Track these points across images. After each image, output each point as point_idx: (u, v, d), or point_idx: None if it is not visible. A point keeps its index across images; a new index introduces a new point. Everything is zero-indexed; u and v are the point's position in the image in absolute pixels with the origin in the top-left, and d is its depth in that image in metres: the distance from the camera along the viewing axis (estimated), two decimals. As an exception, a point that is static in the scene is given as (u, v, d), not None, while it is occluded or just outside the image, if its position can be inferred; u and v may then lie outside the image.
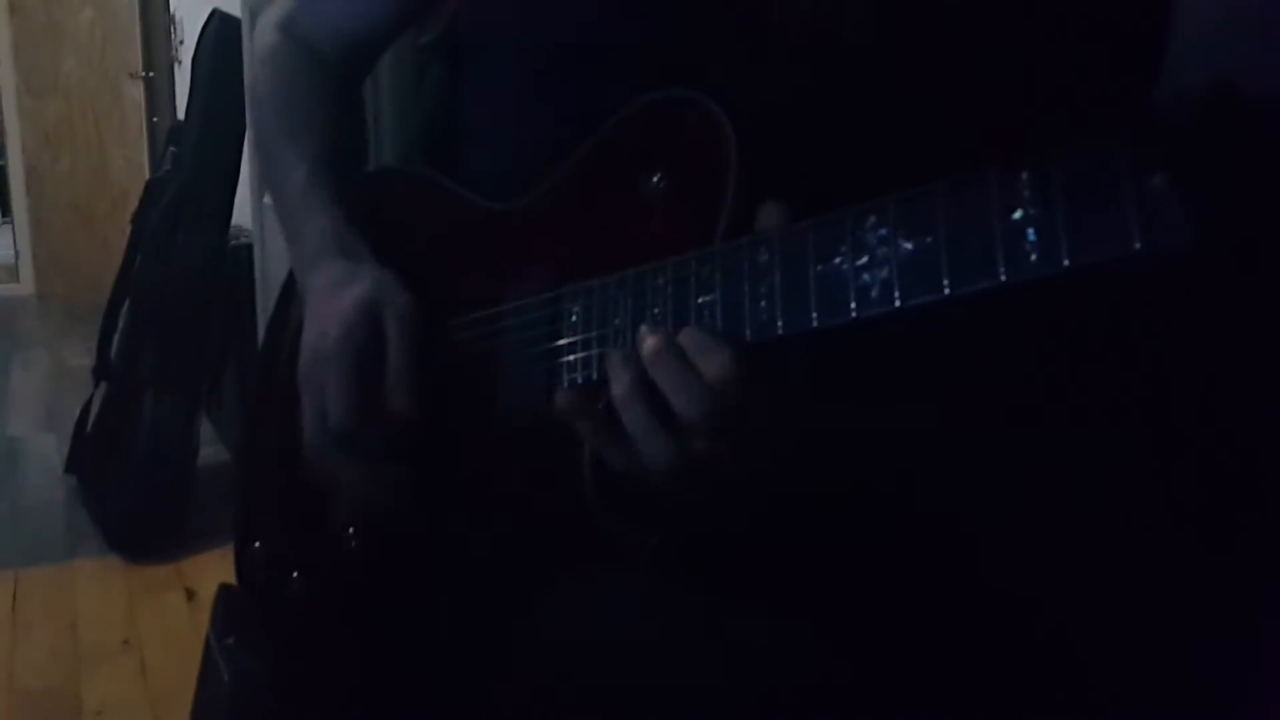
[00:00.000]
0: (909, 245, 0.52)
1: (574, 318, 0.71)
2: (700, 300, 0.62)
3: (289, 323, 0.91)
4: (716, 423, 0.60)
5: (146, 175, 5.17)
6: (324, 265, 0.87)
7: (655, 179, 0.69)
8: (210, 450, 2.78)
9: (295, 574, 0.95)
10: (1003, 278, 0.48)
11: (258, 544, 1.01)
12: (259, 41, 1.03)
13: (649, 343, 0.61)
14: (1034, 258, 0.47)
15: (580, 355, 0.70)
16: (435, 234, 0.90)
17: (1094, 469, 0.70)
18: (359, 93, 1.06)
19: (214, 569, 2.46)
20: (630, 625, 0.71)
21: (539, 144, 0.78)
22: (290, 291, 0.96)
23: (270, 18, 1.03)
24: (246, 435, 1.10)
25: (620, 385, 0.63)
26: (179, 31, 5.12)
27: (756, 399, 0.60)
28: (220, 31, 2.81)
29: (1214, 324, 0.63)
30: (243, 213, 2.81)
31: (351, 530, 0.89)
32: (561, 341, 0.71)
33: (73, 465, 3.05)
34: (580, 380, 0.69)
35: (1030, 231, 0.47)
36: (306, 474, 0.91)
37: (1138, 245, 0.43)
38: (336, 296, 0.84)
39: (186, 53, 4.29)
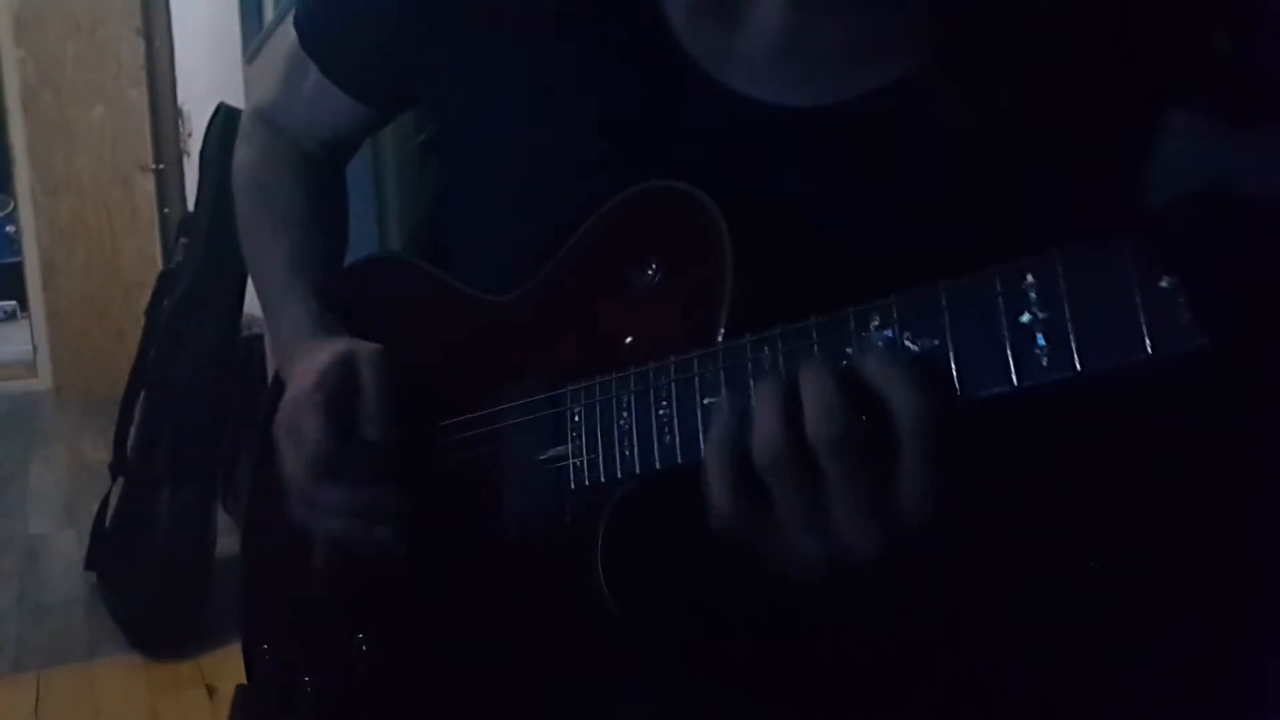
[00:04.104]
0: (915, 348, 0.51)
1: (577, 418, 0.70)
2: (707, 401, 0.61)
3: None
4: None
5: (159, 266, 5.23)
6: (302, 350, 0.88)
7: (650, 271, 0.68)
8: (228, 541, 2.77)
9: (306, 678, 0.94)
10: (1015, 382, 0.47)
11: (265, 647, 1.00)
12: (240, 126, 1.05)
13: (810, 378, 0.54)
14: (1045, 362, 0.46)
15: (586, 458, 0.69)
16: (428, 326, 0.90)
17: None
18: (340, 179, 1.05)
19: (234, 664, 2.41)
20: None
21: (532, 235, 0.78)
22: (280, 386, 0.95)
23: (251, 105, 1.04)
24: (246, 536, 1.09)
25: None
26: (187, 124, 5.21)
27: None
28: (226, 124, 2.85)
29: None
30: (254, 303, 2.82)
31: (362, 636, 0.88)
32: (566, 443, 0.70)
33: (92, 562, 3.04)
34: (588, 483, 0.68)
35: (1040, 336, 0.46)
36: (311, 574, 0.90)
37: (1149, 349, 0.42)
38: (309, 360, 0.85)
39: (195, 144, 4.35)
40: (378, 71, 0.90)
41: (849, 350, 0.54)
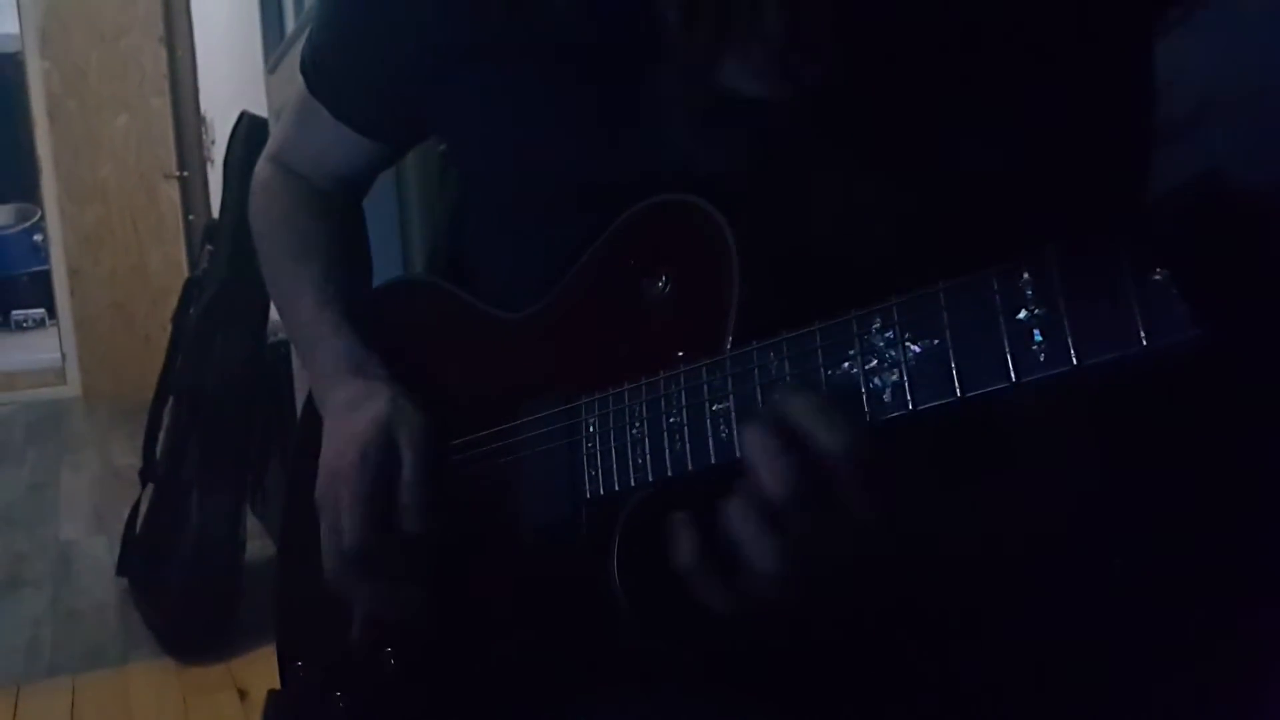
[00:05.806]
0: (916, 348, 0.52)
1: (591, 428, 0.71)
2: (715, 408, 0.62)
3: (313, 442, 0.91)
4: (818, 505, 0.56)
5: (184, 273, 5.27)
6: (340, 385, 0.89)
7: (660, 283, 0.69)
8: (257, 545, 2.79)
9: (338, 693, 0.95)
10: (1014, 378, 0.48)
11: (300, 663, 1.02)
12: (255, 173, 1.05)
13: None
14: (1042, 358, 0.46)
15: (601, 466, 0.70)
16: (448, 345, 0.91)
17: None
18: (358, 213, 1.05)
19: (265, 667, 2.46)
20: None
21: (546, 251, 0.79)
22: (312, 411, 0.96)
23: (265, 152, 1.05)
24: (280, 555, 1.11)
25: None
26: (210, 131, 5.25)
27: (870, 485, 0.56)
28: (249, 132, 2.88)
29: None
30: (279, 308, 2.83)
31: (390, 650, 0.89)
32: (581, 453, 0.72)
33: (124, 567, 3.07)
34: (603, 492, 0.69)
35: (1036, 332, 0.47)
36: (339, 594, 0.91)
37: (1144, 342, 0.43)
38: (352, 417, 0.85)
39: (218, 152, 4.39)
40: (388, 108, 0.90)
41: (851, 353, 0.55)
